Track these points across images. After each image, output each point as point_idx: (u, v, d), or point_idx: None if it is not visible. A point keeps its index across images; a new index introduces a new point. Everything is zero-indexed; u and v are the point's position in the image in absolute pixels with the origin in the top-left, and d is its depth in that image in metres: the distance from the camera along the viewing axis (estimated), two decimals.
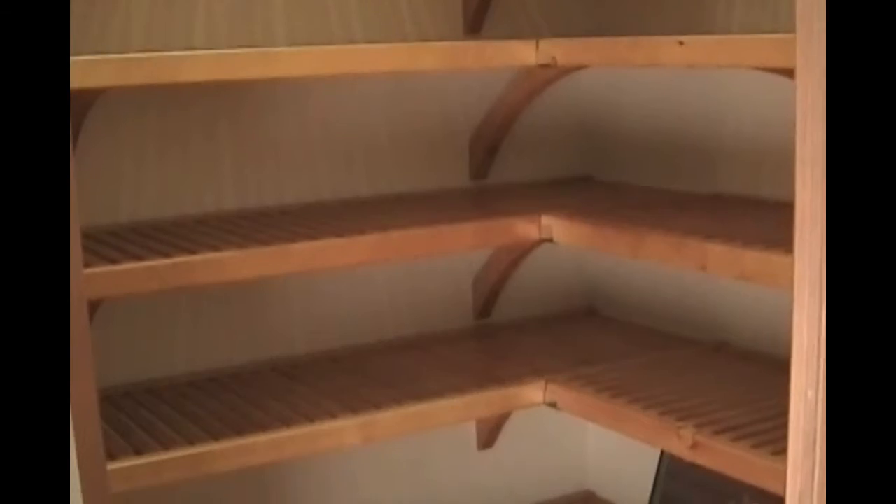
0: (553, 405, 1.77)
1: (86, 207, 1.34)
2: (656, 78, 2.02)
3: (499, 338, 2.05)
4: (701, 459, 1.54)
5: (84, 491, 1.33)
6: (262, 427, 1.58)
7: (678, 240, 1.55)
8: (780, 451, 1.44)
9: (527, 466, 2.20)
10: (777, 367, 1.78)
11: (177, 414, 1.64)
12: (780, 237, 1.46)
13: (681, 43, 1.50)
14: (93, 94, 1.60)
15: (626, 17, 2.05)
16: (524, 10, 2.03)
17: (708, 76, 1.91)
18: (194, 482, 1.78)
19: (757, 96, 1.84)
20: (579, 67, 1.93)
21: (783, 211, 1.72)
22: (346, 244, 1.61)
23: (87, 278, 1.35)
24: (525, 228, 1.76)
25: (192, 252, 1.52)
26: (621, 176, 2.10)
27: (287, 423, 1.60)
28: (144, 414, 1.64)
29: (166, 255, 1.50)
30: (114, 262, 1.46)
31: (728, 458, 1.50)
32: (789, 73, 1.43)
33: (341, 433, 1.62)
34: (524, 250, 2.01)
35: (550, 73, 1.90)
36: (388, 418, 1.66)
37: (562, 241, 1.75)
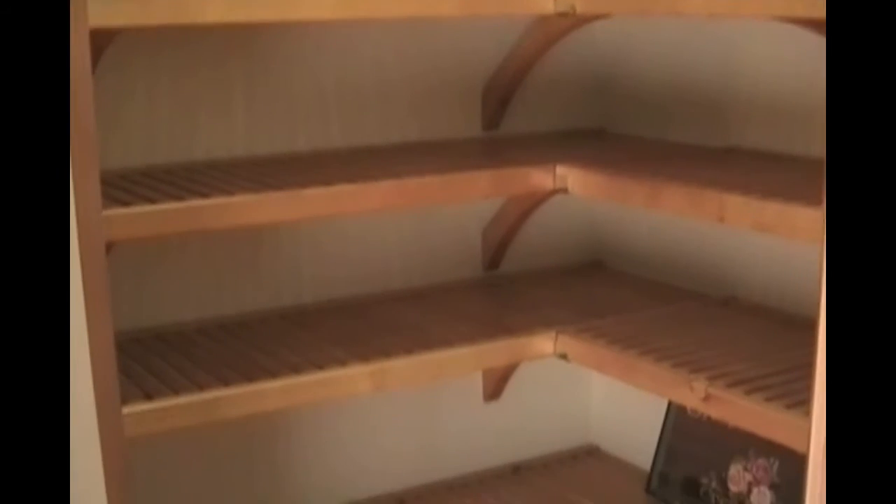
0: (563, 356, 1.76)
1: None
2: (670, 31, 2.00)
3: (508, 289, 2.05)
4: (713, 412, 1.54)
5: (101, 435, 1.32)
6: (272, 374, 1.58)
7: (696, 191, 1.54)
8: (794, 404, 1.44)
9: (533, 419, 2.20)
10: (786, 321, 1.79)
11: (186, 360, 1.63)
12: (798, 190, 1.46)
13: None
14: (107, 37, 1.58)
15: None
16: None
17: (723, 29, 1.89)
18: (204, 436, 1.79)
19: (773, 50, 1.82)
20: (598, 17, 1.91)
21: (799, 165, 1.73)
22: (359, 190, 1.59)
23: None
24: (540, 178, 1.74)
25: (205, 196, 1.50)
26: (634, 129, 2.08)
27: (297, 370, 1.59)
28: (154, 360, 1.63)
29: (179, 199, 1.48)
30: (126, 204, 1.45)
31: (741, 410, 1.49)
32: (814, 24, 1.42)
33: (351, 381, 1.62)
34: (535, 202, 2.00)
35: (566, 23, 1.88)
36: (399, 367, 1.65)
37: (577, 191, 1.74)
